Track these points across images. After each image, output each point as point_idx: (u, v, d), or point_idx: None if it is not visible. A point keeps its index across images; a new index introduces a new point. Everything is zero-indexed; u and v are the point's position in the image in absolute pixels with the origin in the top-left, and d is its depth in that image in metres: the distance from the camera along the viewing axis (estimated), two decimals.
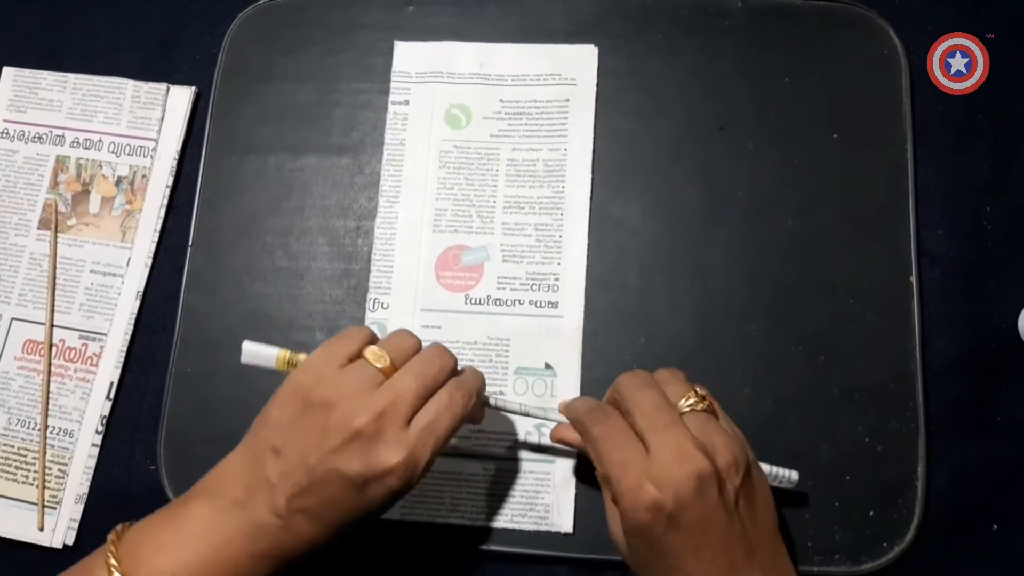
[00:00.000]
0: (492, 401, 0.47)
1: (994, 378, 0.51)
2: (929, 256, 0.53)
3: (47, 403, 0.54)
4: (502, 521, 0.50)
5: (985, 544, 0.49)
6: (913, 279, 0.52)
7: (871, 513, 0.49)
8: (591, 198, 0.55)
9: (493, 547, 0.50)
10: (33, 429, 0.54)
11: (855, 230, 0.53)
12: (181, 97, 0.59)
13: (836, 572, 0.48)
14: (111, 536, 0.40)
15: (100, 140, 0.59)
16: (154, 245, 0.57)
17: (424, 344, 0.45)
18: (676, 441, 0.39)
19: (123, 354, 0.55)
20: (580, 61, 0.57)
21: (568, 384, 0.52)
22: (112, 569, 0.38)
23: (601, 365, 0.52)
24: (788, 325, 0.52)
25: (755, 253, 0.53)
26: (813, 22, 0.56)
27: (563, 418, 0.46)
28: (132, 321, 0.55)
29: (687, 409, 0.42)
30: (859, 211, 0.53)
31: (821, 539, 0.49)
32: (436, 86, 0.57)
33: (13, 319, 0.56)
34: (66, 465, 0.53)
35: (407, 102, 0.57)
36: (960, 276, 0.53)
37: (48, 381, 0.55)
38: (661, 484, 0.38)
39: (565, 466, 0.50)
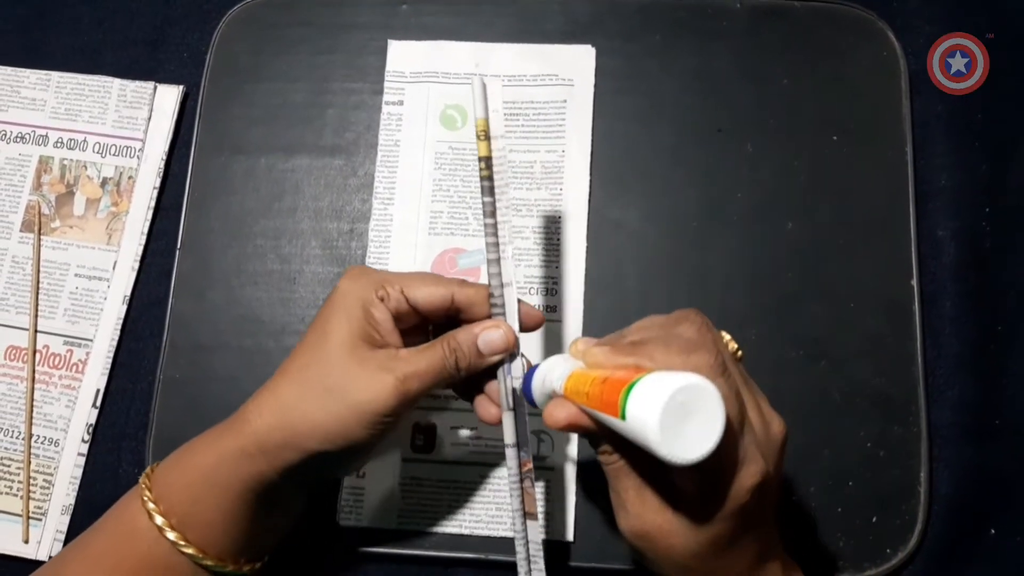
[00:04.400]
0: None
1: (996, 381, 0.51)
2: (929, 259, 0.52)
3: (31, 411, 0.53)
4: (501, 530, 0.49)
5: (989, 549, 0.49)
6: (914, 282, 0.52)
7: (874, 519, 0.49)
8: (589, 200, 0.54)
9: (492, 556, 0.49)
10: (17, 438, 0.53)
11: (855, 233, 0.53)
12: (169, 96, 0.58)
13: None
14: (144, 473, 0.42)
15: (85, 140, 0.57)
16: (141, 248, 0.55)
17: None
18: (760, 403, 0.36)
19: (109, 360, 0.53)
20: (577, 62, 0.56)
21: None
22: (146, 500, 0.40)
23: None
24: (788, 329, 0.52)
25: (754, 256, 0.53)
26: (811, 23, 0.56)
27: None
28: (118, 326, 0.54)
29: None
30: (859, 214, 0.53)
31: (824, 545, 0.48)
32: (431, 86, 0.56)
33: None
34: (51, 475, 0.52)
35: (401, 102, 0.56)
36: (961, 279, 0.52)
37: (32, 388, 0.53)
38: (765, 454, 0.34)
39: (565, 474, 0.50)
